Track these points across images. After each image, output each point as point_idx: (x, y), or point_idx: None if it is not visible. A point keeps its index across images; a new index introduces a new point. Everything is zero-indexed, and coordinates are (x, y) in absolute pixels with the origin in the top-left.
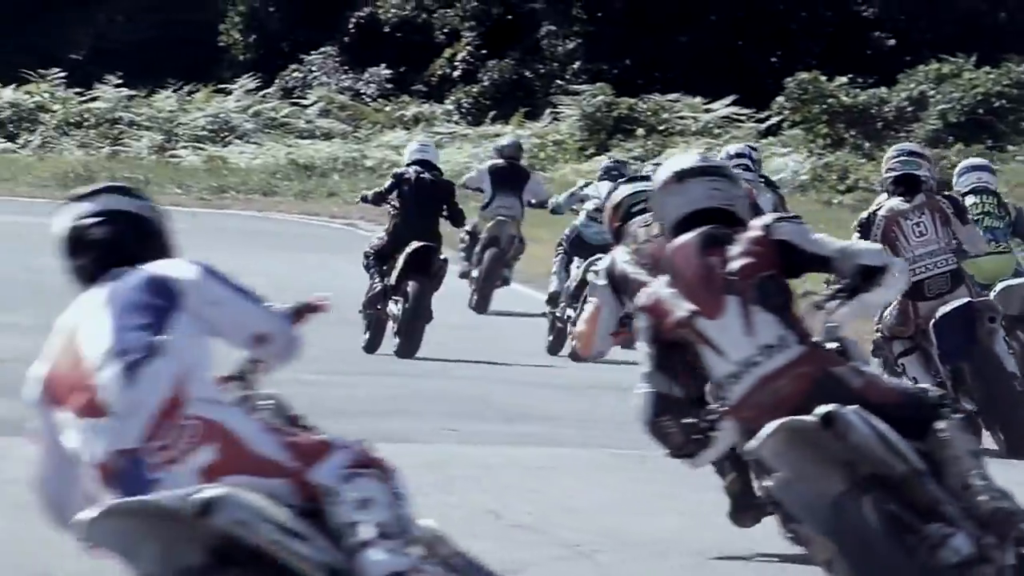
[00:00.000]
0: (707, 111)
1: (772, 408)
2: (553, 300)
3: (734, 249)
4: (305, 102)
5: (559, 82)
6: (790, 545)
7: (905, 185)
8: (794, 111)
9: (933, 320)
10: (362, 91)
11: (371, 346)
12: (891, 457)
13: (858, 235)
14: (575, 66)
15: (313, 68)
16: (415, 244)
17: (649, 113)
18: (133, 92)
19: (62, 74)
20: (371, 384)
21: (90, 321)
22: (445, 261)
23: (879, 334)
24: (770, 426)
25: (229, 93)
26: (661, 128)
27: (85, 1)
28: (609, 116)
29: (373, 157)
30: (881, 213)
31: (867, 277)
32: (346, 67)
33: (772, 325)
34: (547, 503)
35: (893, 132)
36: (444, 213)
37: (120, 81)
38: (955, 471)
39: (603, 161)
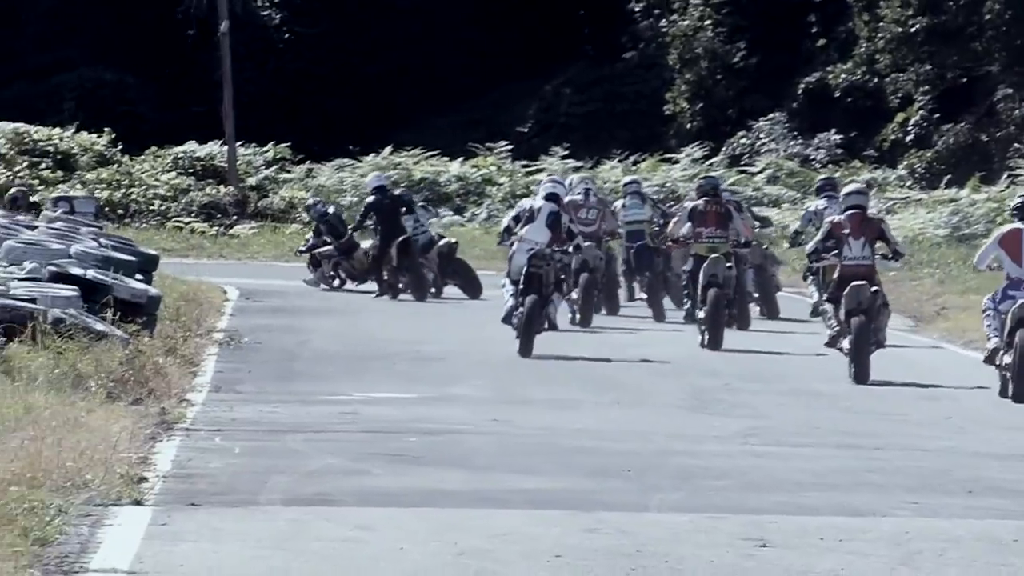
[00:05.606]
0: None
1: None
2: None
3: None
4: (753, 169)
5: (1016, 145)
6: None
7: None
8: None
9: None
10: (811, 157)
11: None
12: None
13: None
14: None
15: (761, 135)
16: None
17: None
18: (579, 163)
19: (509, 147)
20: (827, 456)
21: None
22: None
23: None
24: None
25: (676, 162)
26: None
27: (532, 75)
28: None
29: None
30: None
31: None
32: (795, 133)
33: None
34: None
35: None
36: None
37: (566, 152)
38: None
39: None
